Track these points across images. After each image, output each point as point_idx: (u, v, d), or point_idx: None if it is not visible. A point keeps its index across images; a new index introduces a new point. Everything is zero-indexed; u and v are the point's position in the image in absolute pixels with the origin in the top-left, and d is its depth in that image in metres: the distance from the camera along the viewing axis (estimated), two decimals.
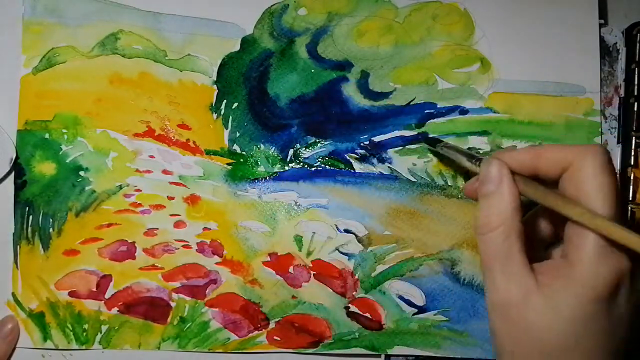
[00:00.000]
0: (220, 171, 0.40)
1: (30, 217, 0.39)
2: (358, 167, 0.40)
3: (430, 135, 0.40)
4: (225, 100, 0.40)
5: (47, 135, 0.39)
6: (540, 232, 0.31)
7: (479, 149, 0.40)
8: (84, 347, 0.39)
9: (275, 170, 0.40)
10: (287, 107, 0.40)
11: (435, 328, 0.39)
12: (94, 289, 0.39)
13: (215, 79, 0.40)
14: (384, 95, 0.41)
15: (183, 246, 0.40)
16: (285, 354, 0.40)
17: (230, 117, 0.40)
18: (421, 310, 0.39)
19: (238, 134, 0.40)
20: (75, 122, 0.40)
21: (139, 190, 0.40)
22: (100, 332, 0.39)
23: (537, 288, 0.27)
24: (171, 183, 0.40)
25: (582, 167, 0.27)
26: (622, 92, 0.41)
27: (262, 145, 0.40)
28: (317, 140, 0.40)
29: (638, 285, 0.27)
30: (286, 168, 0.40)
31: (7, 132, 0.39)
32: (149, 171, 0.40)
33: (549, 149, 0.29)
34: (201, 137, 0.40)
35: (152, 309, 0.39)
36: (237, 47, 0.41)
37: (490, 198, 0.28)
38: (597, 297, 0.26)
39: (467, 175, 0.40)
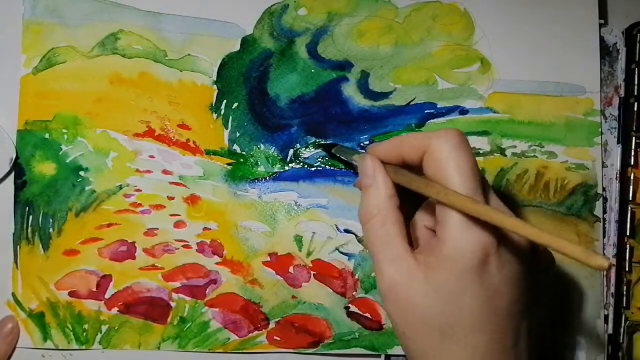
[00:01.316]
0: (220, 171, 0.40)
1: (30, 217, 0.39)
2: None
3: (324, 141, 0.40)
4: (225, 100, 0.40)
5: (47, 135, 0.39)
6: (430, 221, 0.32)
7: (479, 149, 0.40)
8: (84, 347, 0.39)
9: (275, 170, 0.40)
10: (287, 107, 0.40)
11: None
12: (94, 289, 0.39)
13: (215, 79, 0.40)
14: (384, 95, 0.41)
15: (183, 246, 0.40)
16: (285, 354, 0.40)
17: (230, 117, 0.40)
18: None
19: (238, 134, 0.40)
20: (75, 122, 0.40)
21: (139, 190, 0.40)
22: (100, 332, 0.39)
23: (417, 268, 0.28)
24: (171, 183, 0.40)
25: (437, 149, 0.28)
26: (622, 92, 0.41)
27: (262, 145, 0.40)
28: (317, 140, 0.40)
29: (508, 254, 0.28)
30: (286, 168, 0.40)
31: (7, 132, 0.39)
32: (149, 171, 0.40)
33: (410, 136, 0.30)
34: (201, 137, 0.40)
35: (152, 309, 0.39)
36: (237, 47, 0.41)
37: (368, 190, 0.30)
38: (467, 269, 0.27)
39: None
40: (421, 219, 0.32)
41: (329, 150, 0.39)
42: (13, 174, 0.39)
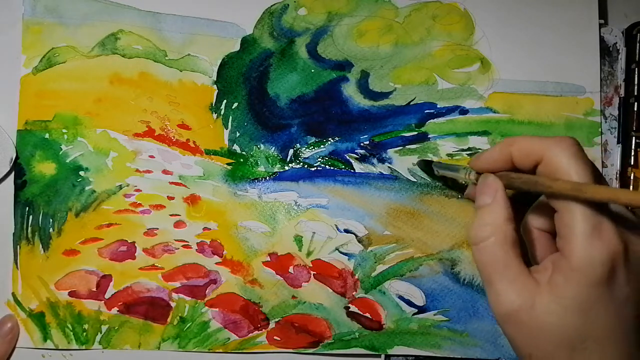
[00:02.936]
0: (220, 171, 0.40)
1: (30, 217, 0.39)
2: (358, 167, 0.40)
3: (422, 159, 0.40)
4: (225, 100, 0.40)
5: (47, 135, 0.39)
6: (544, 223, 0.31)
7: (479, 149, 0.40)
8: (84, 347, 0.39)
9: (275, 170, 0.40)
10: (287, 107, 0.41)
11: (435, 328, 0.39)
12: (94, 289, 0.39)
13: (215, 79, 0.40)
14: (384, 95, 0.41)
15: (183, 246, 0.40)
16: (285, 354, 0.40)
17: (230, 117, 0.40)
18: (421, 310, 0.39)
19: (238, 134, 0.40)
20: (75, 122, 0.40)
21: (139, 190, 0.40)
22: (100, 332, 0.39)
23: (539, 288, 0.27)
24: (171, 183, 0.40)
25: (554, 160, 0.28)
26: (622, 92, 0.41)
27: (262, 145, 0.40)
28: (317, 140, 0.40)
29: (636, 261, 0.27)
30: (286, 168, 0.40)
31: (7, 132, 0.39)
32: (149, 171, 0.40)
33: (520, 143, 0.29)
34: (201, 137, 0.40)
35: (152, 309, 0.39)
36: (237, 47, 0.41)
37: (485, 209, 0.29)
38: (597, 282, 0.26)
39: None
40: (534, 221, 0.31)
41: (428, 167, 0.39)
42: (13, 174, 0.39)
